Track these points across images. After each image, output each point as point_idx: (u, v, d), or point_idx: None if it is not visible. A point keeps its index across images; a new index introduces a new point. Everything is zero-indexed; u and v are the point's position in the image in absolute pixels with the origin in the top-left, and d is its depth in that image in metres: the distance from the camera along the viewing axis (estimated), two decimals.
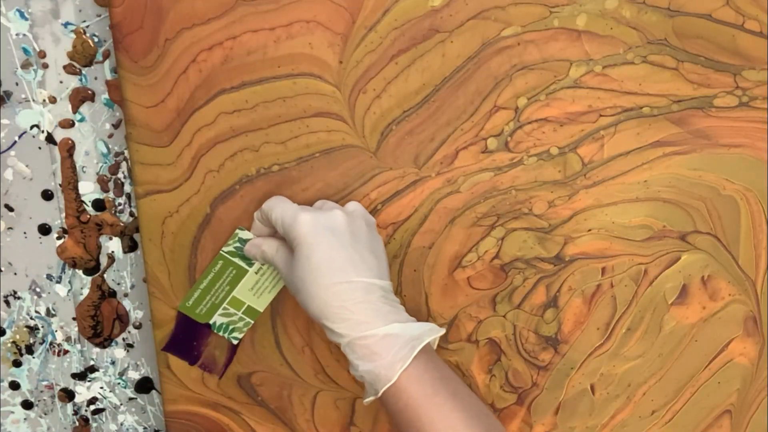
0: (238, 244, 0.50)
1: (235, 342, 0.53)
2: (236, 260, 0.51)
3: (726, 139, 0.49)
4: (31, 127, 0.53)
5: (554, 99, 0.48)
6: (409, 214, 0.50)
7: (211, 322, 0.52)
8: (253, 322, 0.52)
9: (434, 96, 0.48)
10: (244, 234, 0.50)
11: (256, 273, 0.51)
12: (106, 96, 0.52)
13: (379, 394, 0.44)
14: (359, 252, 0.45)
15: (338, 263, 0.44)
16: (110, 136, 0.53)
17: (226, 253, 0.51)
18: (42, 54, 0.51)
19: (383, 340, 0.43)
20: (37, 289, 0.58)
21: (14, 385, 0.60)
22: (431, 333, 0.45)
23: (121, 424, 0.62)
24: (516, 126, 0.49)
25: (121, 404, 0.61)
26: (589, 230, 0.51)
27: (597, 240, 0.51)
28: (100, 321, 0.58)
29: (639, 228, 0.51)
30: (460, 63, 0.48)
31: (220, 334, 0.52)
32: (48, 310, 0.58)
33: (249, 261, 0.51)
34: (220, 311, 0.52)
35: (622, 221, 0.51)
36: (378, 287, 0.45)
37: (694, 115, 0.49)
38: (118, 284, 0.57)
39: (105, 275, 0.57)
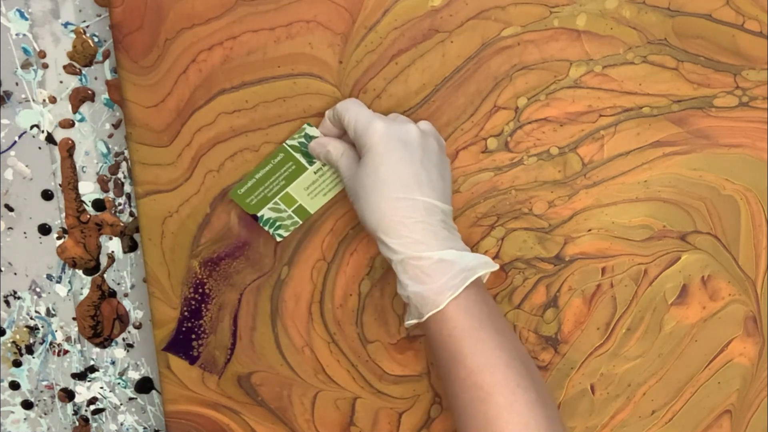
0: (303, 140, 0.49)
1: (278, 239, 0.51)
2: (298, 155, 0.49)
3: (726, 139, 0.49)
4: (31, 127, 0.53)
5: (554, 99, 0.48)
6: None
7: (259, 214, 0.50)
8: (300, 222, 0.51)
9: (434, 96, 0.48)
10: (311, 130, 0.48)
11: (315, 173, 0.50)
12: (106, 96, 0.52)
13: (424, 319, 0.43)
14: (427, 170, 0.44)
15: (405, 178, 0.43)
16: (110, 136, 0.53)
17: (289, 146, 0.49)
18: (42, 54, 0.51)
19: (437, 265, 0.42)
20: (37, 289, 0.58)
21: (14, 385, 0.60)
22: (486, 266, 0.44)
23: (121, 424, 0.62)
24: (516, 126, 0.49)
25: (121, 404, 0.61)
26: (589, 230, 0.51)
27: (597, 240, 0.51)
28: (100, 321, 0.58)
29: (639, 228, 0.51)
30: (460, 63, 0.48)
31: (266, 228, 0.51)
32: (48, 310, 0.58)
33: (310, 159, 0.49)
34: (270, 205, 0.50)
35: (622, 221, 0.51)
36: (440, 210, 0.44)
37: (694, 115, 0.49)
38: (118, 284, 0.57)
39: (105, 275, 0.57)
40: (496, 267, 0.44)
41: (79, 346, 0.59)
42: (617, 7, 0.47)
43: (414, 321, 0.44)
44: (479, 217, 0.50)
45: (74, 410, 0.61)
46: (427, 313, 0.43)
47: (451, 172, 0.47)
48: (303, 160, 0.49)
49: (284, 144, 0.49)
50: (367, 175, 0.43)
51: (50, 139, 0.53)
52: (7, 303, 0.58)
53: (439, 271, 0.42)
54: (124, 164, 0.54)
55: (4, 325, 0.58)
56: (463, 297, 0.42)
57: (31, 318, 0.58)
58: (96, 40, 0.51)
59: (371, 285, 0.52)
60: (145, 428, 0.62)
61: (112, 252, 0.56)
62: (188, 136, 0.49)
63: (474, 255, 0.44)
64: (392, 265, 0.44)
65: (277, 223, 0.50)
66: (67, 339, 0.59)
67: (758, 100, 0.48)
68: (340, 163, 0.46)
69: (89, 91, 0.52)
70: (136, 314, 0.58)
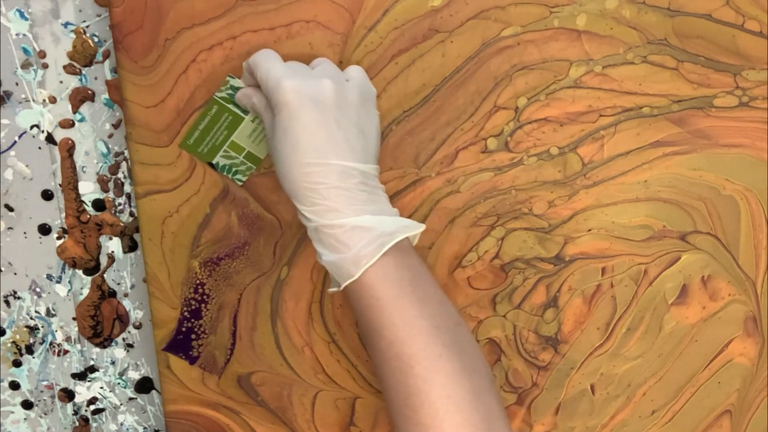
0: (230, 91, 0.48)
1: (239, 183, 0.50)
2: (230, 106, 0.48)
3: (726, 139, 0.49)
4: (31, 127, 0.53)
5: (554, 99, 0.48)
6: (409, 214, 0.50)
7: (214, 162, 0.49)
8: (255, 167, 0.50)
9: (434, 96, 0.48)
10: (235, 81, 0.48)
11: (253, 121, 0.49)
12: (106, 96, 0.52)
13: (341, 288, 0.41)
14: (344, 130, 0.41)
15: (317, 141, 0.40)
16: (110, 136, 0.53)
17: (219, 98, 0.48)
18: (42, 54, 0.51)
19: (351, 232, 0.40)
20: (37, 289, 0.58)
21: (14, 385, 0.60)
22: (406, 230, 0.41)
23: (121, 424, 0.62)
24: (516, 126, 0.49)
25: (121, 404, 0.61)
26: (589, 230, 0.51)
27: (597, 240, 0.51)
28: (100, 321, 0.58)
29: (639, 228, 0.51)
30: (460, 63, 0.48)
31: (224, 174, 0.50)
32: (48, 310, 0.58)
33: (245, 108, 0.48)
34: (221, 153, 0.49)
35: (622, 221, 0.51)
36: (358, 172, 0.41)
37: (694, 115, 0.49)
38: (118, 284, 0.57)
39: (105, 275, 0.57)
40: (420, 228, 0.42)
41: (79, 346, 0.59)
42: (617, 7, 0.47)
43: (335, 289, 0.42)
44: (479, 217, 0.51)
45: (74, 410, 0.61)
46: (343, 283, 0.41)
47: (379, 126, 0.44)
48: (237, 110, 0.48)
49: (214, 97, 0.48)
50: (279, 138, 0.41)
51: (50, 139, 0.53)
52: (7, 303, 0.58)
53: (353, 238, 0.40)
54: (124, 164, 0.54)
55: (4, 325, 0.58)
56: (381, 264, 0.40)
57: (31, 318, 0.58)
58: (96, 40, 0.51)
59: None
60: (145, 428, 0.62)
61: (112, 252, 0.56)
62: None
63: (395, 219, 0.41)
64: (308, 233, 0.42)
65: (234, 169, 0.50)
66: (67, 339, 0.59)
67: (758, 100, 0.48)
68: (264, 116, 0.44)
69: (89, 91, 0.52)
70: (136, 314, 0.58)
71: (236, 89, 0.48)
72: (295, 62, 0.44)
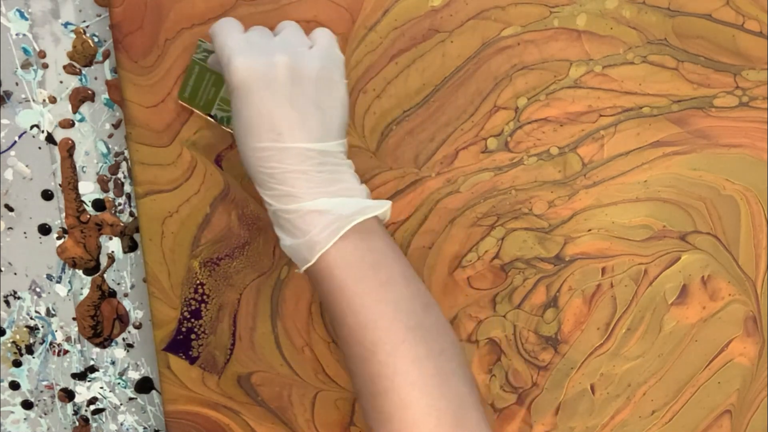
0: (204, 54, 0.47)
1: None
2: (209, 67, 0.47)
3: (726, 139, 0.49)
4: (31, 127, 0.53)
5: (554, 99, 0.48)
6: (409, 214, 0.50)
7: (212, 113, 0.48)
8: None
9: (434, 96, 0.48)
10: (206, 45, 0.47)
11: None
12: (106, 96, 0.52)
13: (301, 271, 0.40)
14: (299, 109, 0.39)
15: (270, 123, 0.38)
16: (110, 136, 0.53)
17: (197, 60, 0.47)
18: (42, 54, 0.51)
19: (308, 216, 0.39)
20: (37, 289, 0.58)
21: (14, 385, 0.60)
22: (366, 211, 0.39)
23: (121, 424, 0.62)
24: (516, 126, 0.49)
25: (121, 404, 0.61)
26: (589, 230, 0.51)
27: (597, 240, 0.51)
28: (100, 321, 0.58)
29: (639, 228, 0.51)
30: (460, 63, 0.48)
31: (224, 126, 0.49)
32: (48, 310, 0.58)
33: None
34: (216, 105, 0.48)
35: (622, 221, 0.51)
36: (316, 152, 0.39)
37: (694, 115, 0.49)
38: (118, 284, 0.57)
39: (105, 275, 0.57)
40: (382, 208, 0.40)
41: (79, 346, 0.59)
42: (617, 7, 0.47)
43: (299, 271, 0.41)
44: (479, 217, 0.50)
45: (74, 410, 0.61)
46: (302, 267, 0.40)
47: (345, 95, 0.42)
48: (218, 69, 0.47)
49: (193, 58, 0.47)
50: (235, 119, 0.39)
51: (50, 139, 0.53)
52: (7, 303, 0.58)
53: (309, 223, 0.39)
54: (124, 164, 0.54)
55: (4, 325, 0.58)
56: (338, 249, 0.38)
57: (31, 318, 0.58)
58: (96, 40, 0.51)
59: None
60: (145, 428, 0.62)
61: (112, 252, 0.56)
62: (188, 136, 0.49)
63: (355, 200, 0.40)
64: (269, 215, 0.41)
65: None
66: (67, 339, 0.59)
67: (758, 100, 0.48)
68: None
69: (89, 91, 0.52)
70: (136, 314, 0.58)
71: (209, 52, 0.47)
72: (257, 30, 0.42)
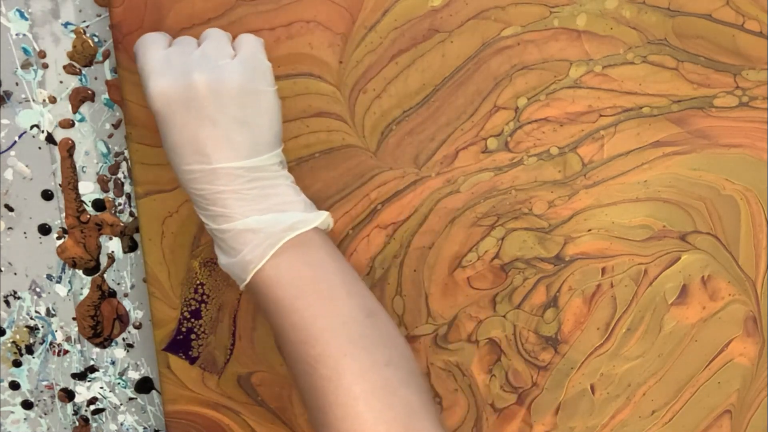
0: None
1: None
2: None
3: (726, 139, 0.49)
4: (31, 127, 0.53)
5: (554, 99, 0.48)
6: (409, 214, 0.50)
7: None
8: None
9: (434, 96, 0.48)
10: None
11: None
12: (106, 96, 0.52)
13: (241, 289, 0.40)
14: (222, 127, 0.38)
15: (194, 146, 0.38)
16: (110, 136, 0.53)
17: None
18: (42, 54, 0.51)
19: (240, 236, 0.38)
20: (37, 289, 0.58)
21: (14, 385, 0.60)
22: (299, 226, 0.39)
23: (121, 424, 0.62)
24: (516, 126, 0.49)
25: (121, 404, 0.61)
26: (589, 230, 0.51)
27: (597, 240, 0.51)
28: (100, 321, 0.58)
29: (639, 228, 0.51)
30: (460, 63, 0.48)
31: None
32: (48, 310, 0.58)
33: None
34: None
35: (622, 221, 0.51)
36: (246, 170, 0.38)
37: (694, 115, 0.49)
38: (118, 284, 0.57)
39: (105, 275, 0.57)
40: (316, 222, 0.39)
41: (79, 346, 0.59)
42: (617, 7, 0.47)
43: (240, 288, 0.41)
44: (479, 217, 0.51)
45: (74, 410, 0.61)
46: (241, 286, 0.40)
47: (274, 104, 0.40)
48: None
49: None
50: (162, 141, 0.39)
51: (50, 139, 0.53)
52: (7, 303, 0.58)
53: (242, 242, 0.38)
54: (124, 164, 0.54)
55: (4, 325, 0.58)
56: (273, 266, 0.38)
57: (31, 318, 0.58)
58: (96, 40, 0.51)
59: (371, 285, 0.52)
60: (145, 428, 0.62)
61: (112, 252, 0.56)
62: None
63: (289, 214, 0.39)
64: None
65: None
66: (67, 339, 0.59)
67: (758, 100, 0.48)
68: None
69: (89, 91, 0.52)
70: (136, 314, 0.58)
71: None
72: (179, 44, 0.40)
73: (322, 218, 0.40)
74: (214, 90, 0.38)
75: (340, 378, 0.37)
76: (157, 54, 0.39)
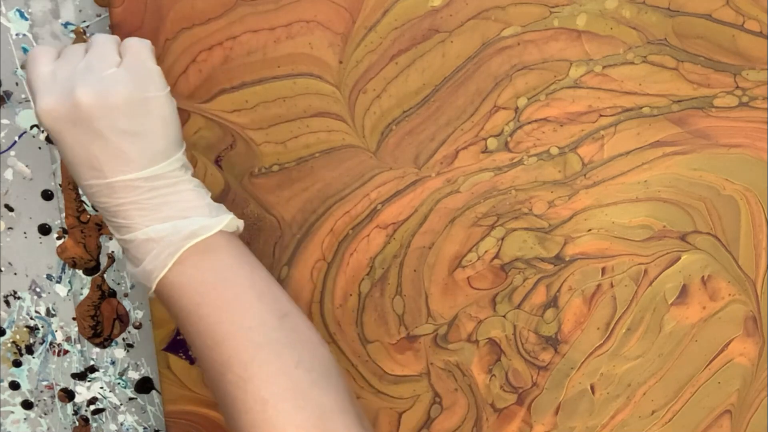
0: None
1: None
2: None
3: (726, 139, 0.49)
4: (31, 127, 0.53)
5: (554, 99, 0.48)
6: (409, 214, 0.50)
7: None
8: None
9: (434, 96, 0.48)
10: None
11: None
12: None
13: (150, 297, 0.41)
14: (113, 140, 0.37)
15: (88, 161, 0.38)
16: None
17: None
18: None
19: (142, 245, 0.39)
20: (37, 289, 0.57)
21: (14, 385, 0.60)
22: (201, 232, 0.39)
23: (121, 424, 0.62)
24: (516, 126, 0.49)
25: (121, 404, 0.61)
26: (589, 230, 0.51)
27: (597, 240, 0.51)
28: (100, 321, 0.58)
29: (639, 228, 0.51)
30: (460, 63, 0.48)
31: None
32: (48, 310, 0.58)
33: None
34: None
35: (622, 221, 0.51)
36: (144, 180, 0.38)
37: (694, 115, 0.49)
38: (118, 284, 0.57)
39: (105, 275, 0.57)
40: (219, 226, 0.39)
41: (79, 346, 0.59)
42: (617, 7, 0.47)
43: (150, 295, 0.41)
44: (479, 217, 0.51)
45: (74, 410, 0.61)
46: (149, 294, 0.40)
47: (167, 107, 0.40)
48: None
49: None
50: (60, 156, 0.40)
51: (50, 139, 0.53)
52: (7, 303, 0.58)
53: (144, 252, 0.39)
54: None
55: (4, 325, 0.58)
56: (175, 274, 0.38)
57: (31, 318, 0.58)
58: None
59: (371, 285, 0.52)
60: (145, 428, 0.62)
61: (112, 252, 0.56)
62: (188, 136, 0.49)
63: (191, 221, 0.39)
64: None
65: None
66: (67, 339, 0.59)
67: (758, 100, 0.48)
68: None
69: None
70: (136, 314, 0.58)
71: None
72: (66, 56, 0.40)
73: (225, 222, 0.40)
74: (101, 104, 0.37)
75: (247, 383, 0.37)
76: (42, 69, 0.39)
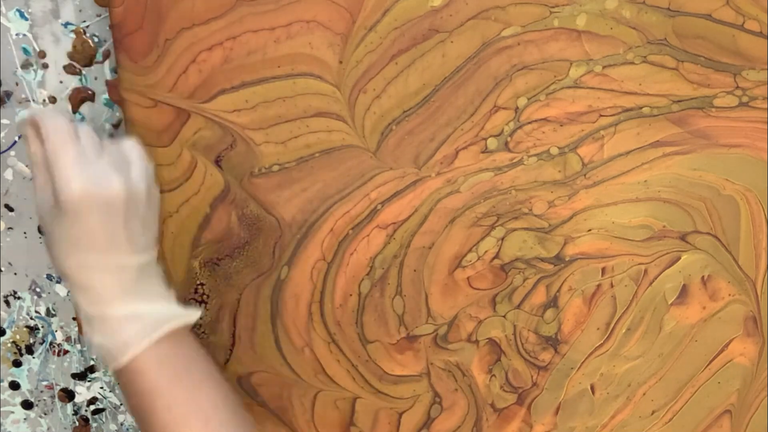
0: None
1: None
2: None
3: (726, 139, 0.49)
4: None
5: (554, 99, 0.48)
6: (409, 214, 0.50)
7: None
8: None
9: (434, 96, 0.48)
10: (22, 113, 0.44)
11: None
12: (106, 96, 0.52)
13: (110, 371, 0.43)
14: (129, 228, 0.41)
15: (99, 244, 0.40)
16: (110, 136, 0.53)
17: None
18: (42, 54, 0.51)
19: (123, 319, 0.41)
20: (37, 289, 0.57)
21: (14, 385, 0.60)
22: (179, 318, 0.43)
23: (121, 424, 0.62)
24: (516, 126, 0.49)
25: (121, 404, 0.61)
26: (589, 230, 0.51)
27: (597, 240, 0.51)
28: None
29: (639, 228, 0.51)
30: (460, 63, 0.48)
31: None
32: (48, 310, 0.58)
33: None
34: None
35: (622, 221, 0.51)
36: (135, 263, 0.42)
37: (694, 115, 0.49)
38: None
39: None
40: (193, 317, 0.44)
41: (79, 346, 0.59)
42: (617, 7, 0.47)
43: (109, 370, 0.44)
44: (479, 217, 0.51)
45: (74, 410, 0.61)
46: (110, 366, 0.42)
47: (158, 203, 0.46)
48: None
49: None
50: (59, 230, 0.41)
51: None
52: (7, 303, 0.58)
53: (125, 325, 0.41)
54: None
55: (4, 325, 0.58)
56: (152, 351, 0.42)
57: (31, 318, 0.58)
58: (96, 40, 0.51)
59: (371, 285, 0.52)
60: None
61: None
62: (188, 136, 0.49)
63: (167, 306, 0.43)
64: (77, 314, 0.43)
65: None
66: (67, 339, 0.59)
67: (758, 100, 0.48)
68: (44, 189, 0.41)
69: (89, 91, 0.52)
70: None
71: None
72: (84, 135, 0.42)
73: (197, 315, 0.45)
74: (130, 194, 0.42)
75: None
76: (71, 149, 0.41)
